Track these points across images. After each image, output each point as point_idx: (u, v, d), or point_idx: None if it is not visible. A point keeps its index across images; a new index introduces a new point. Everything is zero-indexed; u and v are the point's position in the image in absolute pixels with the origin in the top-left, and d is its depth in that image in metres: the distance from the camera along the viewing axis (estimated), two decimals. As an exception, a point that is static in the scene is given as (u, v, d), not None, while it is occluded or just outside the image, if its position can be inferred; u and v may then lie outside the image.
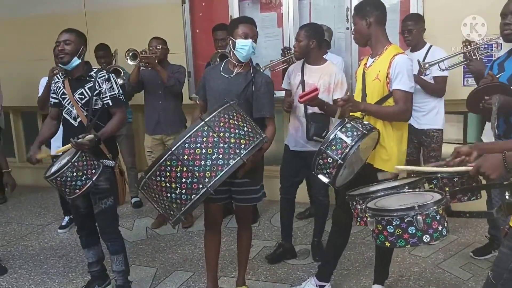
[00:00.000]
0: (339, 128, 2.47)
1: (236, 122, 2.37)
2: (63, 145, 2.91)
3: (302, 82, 3.43)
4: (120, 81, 4.45)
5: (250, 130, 2.41)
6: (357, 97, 2.81)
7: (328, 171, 2.47)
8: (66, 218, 4.57)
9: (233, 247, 3.65)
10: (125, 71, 4.53)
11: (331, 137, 2.46)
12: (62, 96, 2.93)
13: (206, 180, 2.25)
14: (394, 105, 2.63)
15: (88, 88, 2.87)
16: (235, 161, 2.28)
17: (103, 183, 2.90)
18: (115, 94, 2.91)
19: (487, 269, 3.30)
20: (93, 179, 2.79)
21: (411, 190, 2.17)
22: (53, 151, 4.04)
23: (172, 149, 2.26)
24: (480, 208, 2.99)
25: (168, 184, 2.28)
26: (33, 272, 3.67)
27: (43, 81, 4.38)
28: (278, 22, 4.78)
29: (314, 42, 3.37)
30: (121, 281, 3.10)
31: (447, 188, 2.17)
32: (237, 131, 2.34)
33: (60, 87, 2.95)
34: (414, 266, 3.47)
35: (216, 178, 2.25)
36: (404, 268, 3.44)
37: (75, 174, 2.74)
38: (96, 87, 2.86)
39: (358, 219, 2.30)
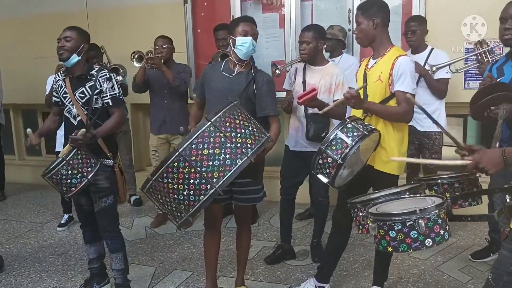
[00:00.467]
0: (339, 128, 2.47)
1: (242, 122, 2.38)
2: (64, 144, 2.92)
3: (304, 82, 3.43)
4: (120, 79, 4.46)
5: (255, 129, 2.41)
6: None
7: (328, 170, 2.47)
8: (65, 216, 4.57)
9: (232, 247, 3.65)
10: (123, 68, 4.52)
11: (332, 137, 2.46)
12: (64, 95, 2.93)
13: (215, 180, 2.25)
14: (397, 106, 2.62)
15: (88, 87, 2.87)
16: (243, 160, 2.28)
17: (103, 181, 2.90)
18: (116, 94, 2.91)
19: (486, 272, 3.30)
20: (89, 177, 2.79)
21: (412, 195, 2.17)
22: (58, 147, 4.04)
23: (179, 150, 2.25)
24: (480, 212, 2.99)
25: (175, 186, 2.27)
26: (31, 270, 3.67)
27: (51, 79, 4.38)
28: (280, 23, 4.79)
29: (322, 43, 3.39)
30: (120, 280, 3.10)
31: (447, 194, 2.18)
32: (243, 130, 2.35)
33: (61, 86, 2.95)
34: (413, 268, 3.47)
35: (225, 178, 2.25)
36: (403, 270, 3.44)
37: (70, 172, 2.75)
38: (97, 86, 2.86)
39: (360, 226, 2.28)
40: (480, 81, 2.74)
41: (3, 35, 5.86)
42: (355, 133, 2.45)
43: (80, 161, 2.77)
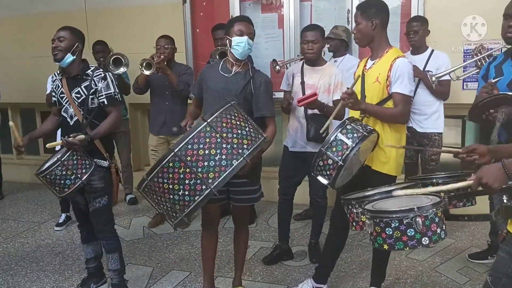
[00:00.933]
0: (339, 129, 2.46)
1: (238, 123, 2.36)
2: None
3: (302, 83, 3.42)
4: (123, 69, 4.43)
5: (252, 130, 2.40)
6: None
7: (328, 172, 2.47)
8: (63, 216, 4.56)
9: (230, 247, 3.64)
10: (127, 60, 4.45)
11: (332, 138, 2.45)
12: (61, 95, 2.93)
13: (210, 181, 2.23)
14: (394, 108, 2.62)
15: (84, 87, 2.86)
16: (238, 161, 2.26)
17: (97, 182, 2.89)
18: (111, 93, 2.89)
19: (484, 273, 3.31)
20: (83, 178, 2.79)
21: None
22: (57, 146, 4.02)
23: (175, 151, 2.24)
24: (481, 212, 2.98)
25: (171, 186, 2.26)
26: (29, 269, 3.66)
27: (51, 78, 4.36)
28: (279, 23, 4.79)
29: (325, 42, 3.44)
30: (117, 280, 3.09)
31: (442, 194, 2.17)
32: (239, 131, 2.33)
33: (58, 86, 2.94)
34: (411, 269, 3.47)
35: (220, 179, 2.24)
36: (400, 271, 3.44)
37: (64, 173, 2.75)
38: (92, 85, 2.85)
39: (354, 223, 2.28)
40: (481, 88, 2.61)
41: (2, 34, 5.85)
42: (355, 134, 2.44)
43: (75, 162, 2.76)
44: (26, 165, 6.17)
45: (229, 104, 2.41)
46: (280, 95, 3.69)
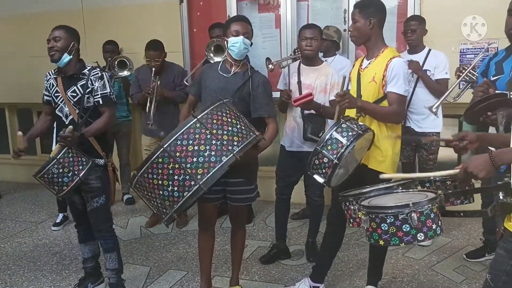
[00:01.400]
0: (334, 128, 2.48)
1: (229, 120, 2.37)
2: (56, 143, 2.91)
3: (299, 83, 3.43)
4: (126, 73, 4.48)
5: (243, 127, 2.40)
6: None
7: (324, 171, 2.48)
8: (60, 216, 4.56)
9: (227, 247, 3.65)
10: (131, 64, 4.49)
11: (327, 137, 2.47)
12: (55, 94, 2.92)
13: (199, 177, 2.24)
14: (389, 107, 2.64)
15: (80, 85, 2.86)
16: (228, 158, 2.26)
17: (95, 181, 2.89)
18: (107, 93, 2.90)
19: (480, 271, 3.32)
20: (80, 175, 2.78)
21: (404, 190, 2.18)
22: (54, 146, 4.02)
23: (164, 146, 2.25)
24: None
25: (160, 182, 2.27)
26: (26, 269, 3.66)
27: None
28: (276, 23, 4.79)
29: (322, 42, 3.45)
30: (114, 279, 3.09)
31: (440, 191, 2.18)
32: (230, 128, 2.34)
33: (53, 85, 2.94)
34: (408, 268, 3.48)
35: (209, 175, 2.24)
36: (397, 269, 3.45)
37: (61, 170, 2.75)
38: (89, 85, 2.85)
39: (351, 220, 2.30)
40: (476, 87, 2.61)
41: (-1, 33, 5.84)
42: (350, 133, 2.46)
43: (71, 159, 2.76)
44: (23, 165, 6.15)
45: (221, 102, 2.41)
46: (277, 94, 3.69)
